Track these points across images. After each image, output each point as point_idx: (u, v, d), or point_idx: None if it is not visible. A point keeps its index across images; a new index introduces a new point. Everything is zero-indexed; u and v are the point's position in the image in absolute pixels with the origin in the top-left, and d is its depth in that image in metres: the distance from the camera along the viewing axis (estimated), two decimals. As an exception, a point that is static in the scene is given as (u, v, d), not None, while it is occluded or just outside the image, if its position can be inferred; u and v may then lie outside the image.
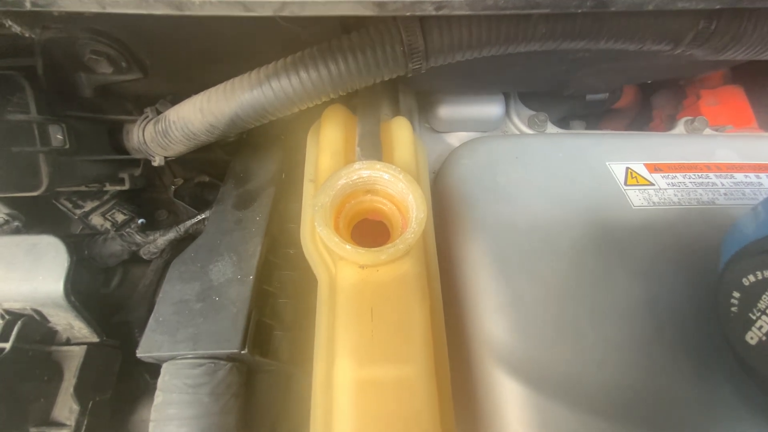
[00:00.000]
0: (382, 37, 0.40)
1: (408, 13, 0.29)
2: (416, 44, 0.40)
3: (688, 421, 0.40)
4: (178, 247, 0.67)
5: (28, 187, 0.44)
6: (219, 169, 0.77)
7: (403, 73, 0.43)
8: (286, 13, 0.28)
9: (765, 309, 0.33)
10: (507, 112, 0.73)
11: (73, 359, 0.51)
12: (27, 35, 0.35)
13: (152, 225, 0.74)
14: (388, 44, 0.40)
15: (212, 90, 0.44)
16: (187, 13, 0.26)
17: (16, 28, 0.35)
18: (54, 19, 0.43)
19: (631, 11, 0.37)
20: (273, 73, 0.41)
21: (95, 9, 0.25)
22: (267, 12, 0.27)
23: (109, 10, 0.25)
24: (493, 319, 0.46)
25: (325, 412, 0.39)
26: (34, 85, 0.43)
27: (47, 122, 0.44)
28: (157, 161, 0.52)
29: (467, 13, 0.28)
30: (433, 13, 0.28)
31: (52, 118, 0.44)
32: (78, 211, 0.68)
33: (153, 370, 0.57)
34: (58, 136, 0.44)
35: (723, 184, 0.56)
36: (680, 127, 0.75)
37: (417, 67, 0.42)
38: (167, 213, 0.80)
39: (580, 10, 0.29)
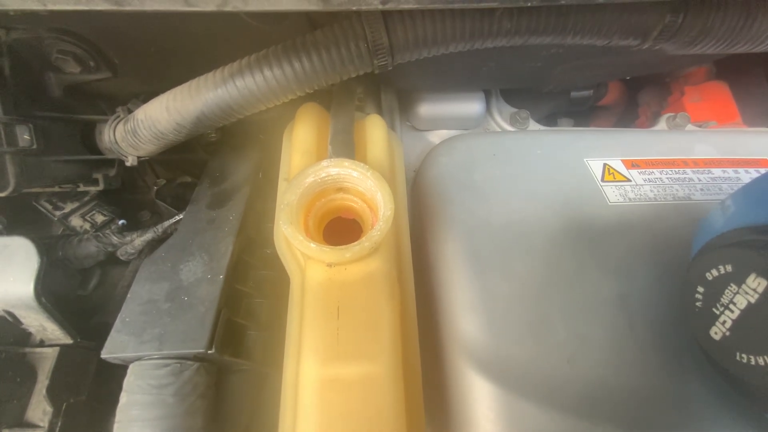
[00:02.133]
0: (346, 34, 0.40)
1: (354, 8, 0.28)
2: (380, 41, 0.39)
3: (658, 416, 0.39)
4: (156, 247, 0.66)
5: (-6, 187, 0.44)
6: (201, 169, 0.76)
7: (369, 69, 0.42)
8: (229, 8, 0.28)
9: (728, 304, 0.33)
10: (489, 110, 0.73)
11: (46, 361, 0.51)
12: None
13: (135, 226, 0.74)
14: (352, 41, 0.40)
15: (178, 89, 0.44)
16: (128, 8, 0.26)
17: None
18: (18, 20, 0.42)
19: (593, 5, 0.37)
20: (237, 71, 0.41)
21: (36, 7, 0.25)
22: (210, 7, 0.27)
23: (50, 7, 0.25)
24: (465, 317, 0.45)
25: (293, 412, 0.39)
26: (1, 86, 0.43)
27: (14, 122, 0.43)
28: (130, 161, 0.52)
29: (414, 7, 0.28)
30: (380, 7, 0.28)
31: (19, 118, 0.44)
32: (58, 213, 0.67)
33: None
34: (26, 137, 0.44)
35: (700, 180, 0.56)
36: (662, 124, 0.75)
37: (383, 63, 0.41)
38: (150, 214, 0.80)
39: (529, 4, 0.29)
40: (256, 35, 0.46)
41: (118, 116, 0.51)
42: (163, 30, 0.46)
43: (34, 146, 0.45)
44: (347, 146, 0.48)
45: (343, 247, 0.39)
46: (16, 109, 0.44)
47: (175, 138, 0.46)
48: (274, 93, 0.41)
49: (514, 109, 0.74)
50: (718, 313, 0.33)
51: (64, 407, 0.51)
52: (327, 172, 0.44)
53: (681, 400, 0.40)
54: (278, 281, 0.57)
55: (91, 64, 0.47)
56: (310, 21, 0.46)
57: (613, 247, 0.49)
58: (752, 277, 0.30)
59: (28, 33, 0.44)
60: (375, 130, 0.53)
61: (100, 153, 0.55)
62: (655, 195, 0.54)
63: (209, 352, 0.41)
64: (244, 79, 0.41)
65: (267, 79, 0.40)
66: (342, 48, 0.40)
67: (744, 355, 0.31)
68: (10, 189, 0.44)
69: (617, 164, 0.57)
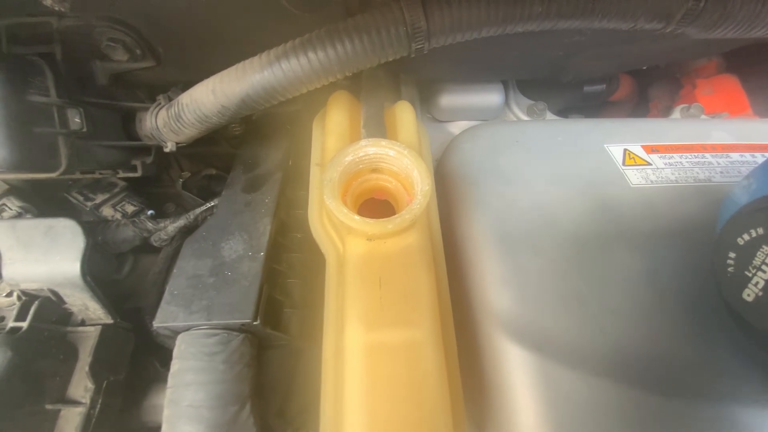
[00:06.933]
0: (386, 18, 0.42)
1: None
2: (419, 24, 0.41)
3: (689, 381, 0.41)
4: (186, 235, 0.68)
5: (47, 167, 0.46)
6: (225, 161, 0.79)
7: (406, 53, 0.45)
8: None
9: (760, 265, 0.34)
10: (506, 102, 0.75)
11: (88, 339, 0.53)
12: (57, 8, 0.37)
13: (161, 217, 0.76)
14: (392, 25, 0.42)
15: (225, 72, 0.46)
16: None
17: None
18: (71, 7, 0.45)
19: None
20: (282, 54, 0.43)
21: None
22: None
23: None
24: (497, 292, 0.47)
25: (336, 380, 0.40)
26: (54, 70, 0.45)
27: (66, 105, 0.45)
28: (169, 147, 0.54)
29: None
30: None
31: (71, 102, 0.46)
32: (89, 204, 0.69)
33: (163, 358, 0.59)
34: (76, 120, 0.46)
35: (719, 163, 0.58)
36: (676, 114, 0.77)
37: (420, 47, 0.44)
38: (174, 206, 0.82)
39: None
40: (294, 24, 0.48)
41: (159, 103, 0.53)
42: (206, 19, 0.49)
43: (84, 129, 0.47)
44: (380, 129, 0.50)
45: (385, 219, 0.41)
46: (67, 93, 0.46)
47: (218, 120, 0.48)
48: (317, 75, 0.44)
49: (531, 101, 0.76)
50: (750, 275, 0.35)
51: (104, 385, 0.52)
52: (365, 152, 0.45)
53: (710, 364, 0.41)
54: (309, 264, 0.59)
55: (138, 52, 0.50)
56: (346, 9, 0.48)
57: (638, 227, 0.51)
58: (784, 236, 0.32)
59: (80, 21, 0.46)
60: (404, 115, 0.55)
61: (138, 140, 0.57)
62: (676, 177, 0.55)
63: (254, 323, 0.43)
64: (289, 61, 0.43)
65: (311, 61, 0.42)
66: (383, 31, 0.42)
67: (778, 313, 0.33)
68: (62, 169, 0.46)
69: (637, 149, 0.59)
